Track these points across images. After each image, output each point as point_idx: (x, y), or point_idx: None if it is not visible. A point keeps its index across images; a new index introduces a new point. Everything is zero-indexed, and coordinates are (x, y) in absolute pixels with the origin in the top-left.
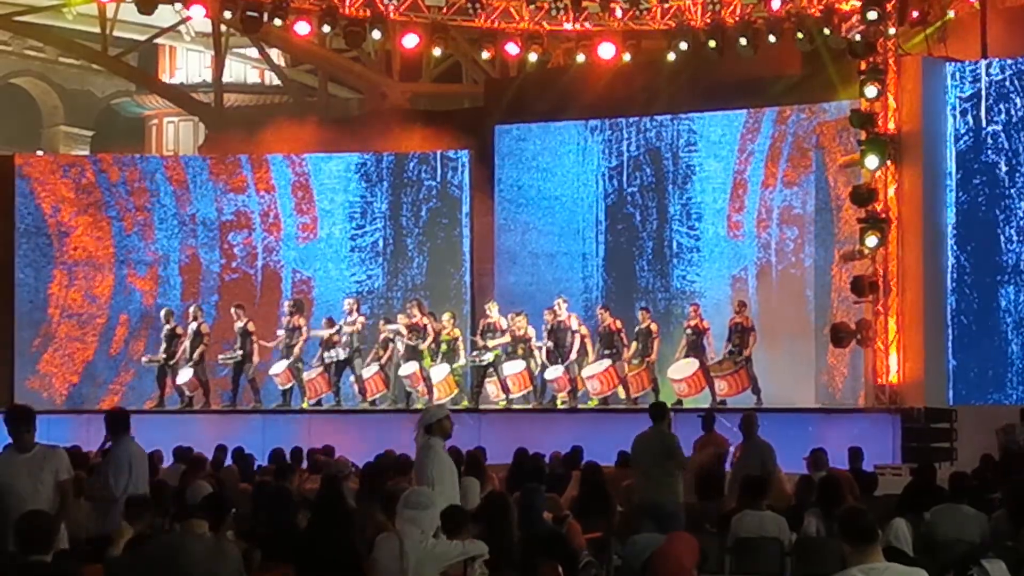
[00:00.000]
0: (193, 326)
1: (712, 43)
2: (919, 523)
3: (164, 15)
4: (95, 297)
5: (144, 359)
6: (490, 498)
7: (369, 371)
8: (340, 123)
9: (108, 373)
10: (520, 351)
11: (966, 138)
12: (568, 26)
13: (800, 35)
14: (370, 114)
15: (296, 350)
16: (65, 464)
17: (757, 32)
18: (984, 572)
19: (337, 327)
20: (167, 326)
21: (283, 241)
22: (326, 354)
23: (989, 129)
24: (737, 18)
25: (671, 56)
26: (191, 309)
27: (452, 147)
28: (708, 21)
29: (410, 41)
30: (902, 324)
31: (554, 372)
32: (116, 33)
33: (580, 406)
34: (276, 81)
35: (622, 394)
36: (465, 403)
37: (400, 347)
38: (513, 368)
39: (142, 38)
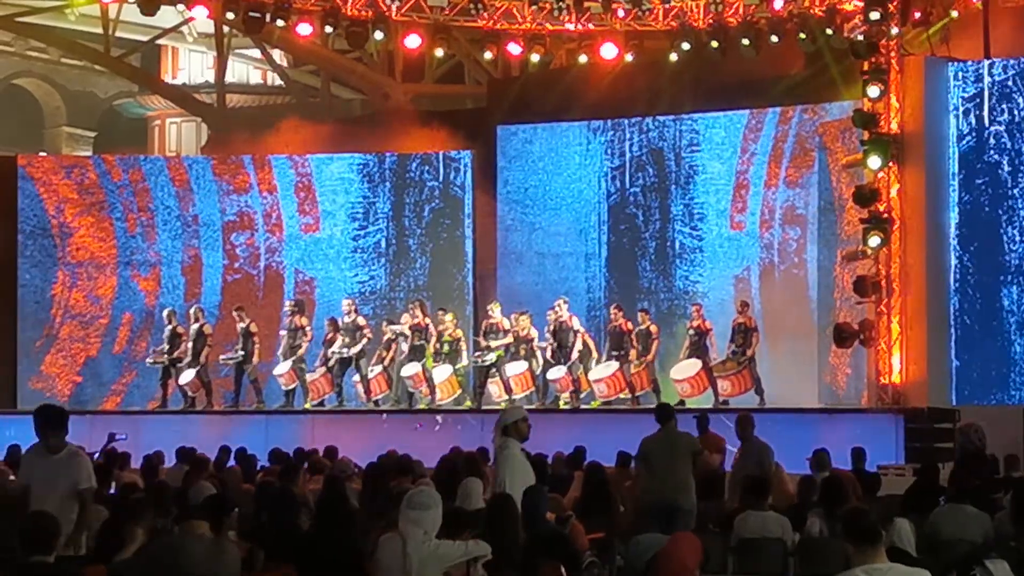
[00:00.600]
0: (195, 327)
1: (714, 43)
2: (922, 523)
3: (166, 16)
4: (98, 298)
5: (148, 359)
6: (494, 499)
7: (372, 372)
8: (342, 124)
9: (111, 374)
10: (522, 351)
11: (969, 138)
12: (570, 26)
13: (803, 35)
14: (372, 115)
15: (300, 351)
16: (87, 472)
17: (759, 32)
18: (987, 572)
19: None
20: (169, 326)
21: (285, 242)
22: (330, 351)
23: (992, 129)
24: (739, 18)
25: (673, 56)
26: (192, 310)
27: (454, 148)
28: (710, 21)
29: (412, 42)
30: (905, 324)
31: (556, 372)
32: (119, 34)
33: (583, 406)
34: (279, 82)
35: (626, 395)
36: (468, 403)
37: (404, 348)
38: (516, 369)
39: (145, 39)
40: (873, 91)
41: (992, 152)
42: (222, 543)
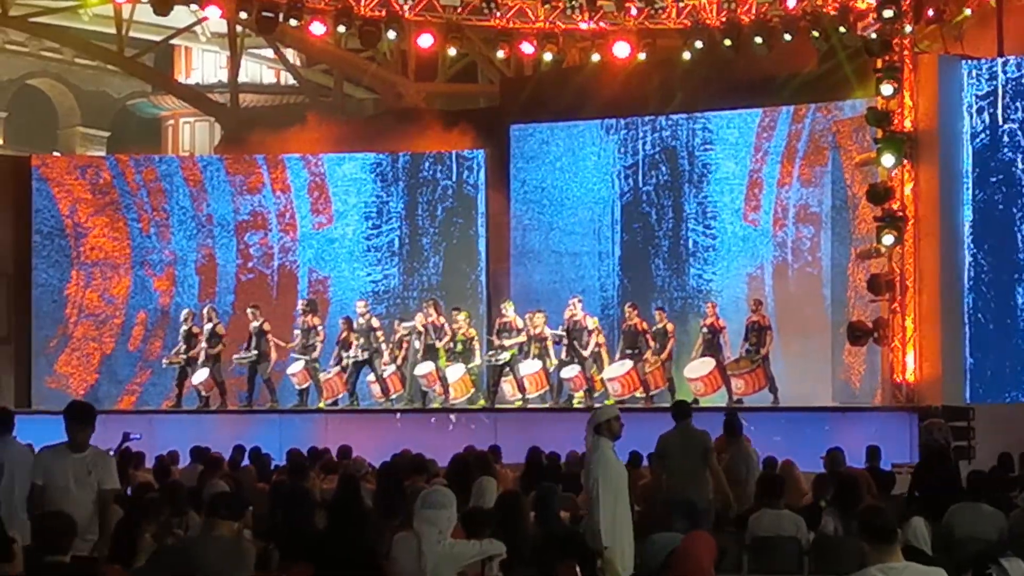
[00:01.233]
0: (209, 326)
1: (727, 42)
2: (937, 521)
3: (180, 16)
4: (112, 297)
5: (164, 360)
6: (504, 498)
7: (386, 371)
8: (356, 123)
9: (125, 373)
10: (536, 350)
11: (983, 136)
12: (583, 25)
13: (816, 33)
14: (385, 114)
15: (315, 352)
16: (112, 473)
17: (773, 31)
18: (1002, 570)
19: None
20: (185, 326)
21: (299, 241)
22: (344, 354)
23: (1006, 127)
24: (752, 17)
25: (686, 55)
26: (206, 310)
27: (467, 147)
28: (723, 20)
29: (425, 41)
30: (919, 322)
31: (570, 371)
32: (132, 34)
33: (596, 406)
34: (292, 81)
35: (640, 394)
36: (481, 402)
37: (417, 346)
38: (530, 368)
39: (158, 39)
40: (887, 89)
41: (1006, 150)
42: (240, 543)
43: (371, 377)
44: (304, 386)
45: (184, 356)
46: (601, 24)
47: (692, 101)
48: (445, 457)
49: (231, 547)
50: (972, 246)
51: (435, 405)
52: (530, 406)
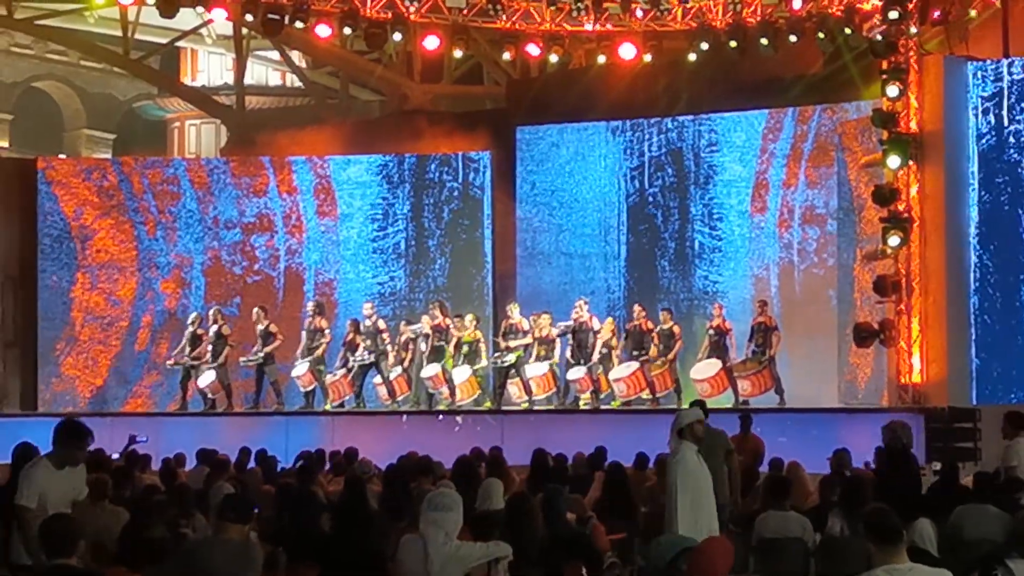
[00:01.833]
0: (215, 329)
1: (733, 43)
2: (944, 523)
3: (185, 18)
4: (118, 300)
5: (169, 361)
6: (511, 499)
7: (393, 373)
8: (361, 125)
9: (131, 375)
10: (542, 352)
11: (988, 137)
12: (589, 27)
13: (821, 35)
14: (391, 116)
15: (319, 352)
16: (83, 480)
17: (778, 32)
18: (1008, 572)
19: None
20: (191, 328)
21: (305, 243)
22: (351, 357)
23: (1011, 128)
24: (758, 18)
25: (692, 56)
26: (212, 312)
27: (473, 148)
28: (729, 21)
29: (431, 43)
30: (925, 324)
31: (576, 373)
32: (138, 36)
33: (603, 407)
34: (297, 83)
35: (647, 394)
36: (488, 404)
37: (424, 348)
38: (537, 370)
39: (164, 41)
40: (892, 90)
41: (1012, 151)
42: (249, 545)
43: (378, 379)
44: (310, 388)
45: (188, 358)
46: (607, 26)
47: (698, 102)
48: (451, 459)
49: (240, 550)
50: (978, 247)
51: (441, 407)
52: (537, 408)
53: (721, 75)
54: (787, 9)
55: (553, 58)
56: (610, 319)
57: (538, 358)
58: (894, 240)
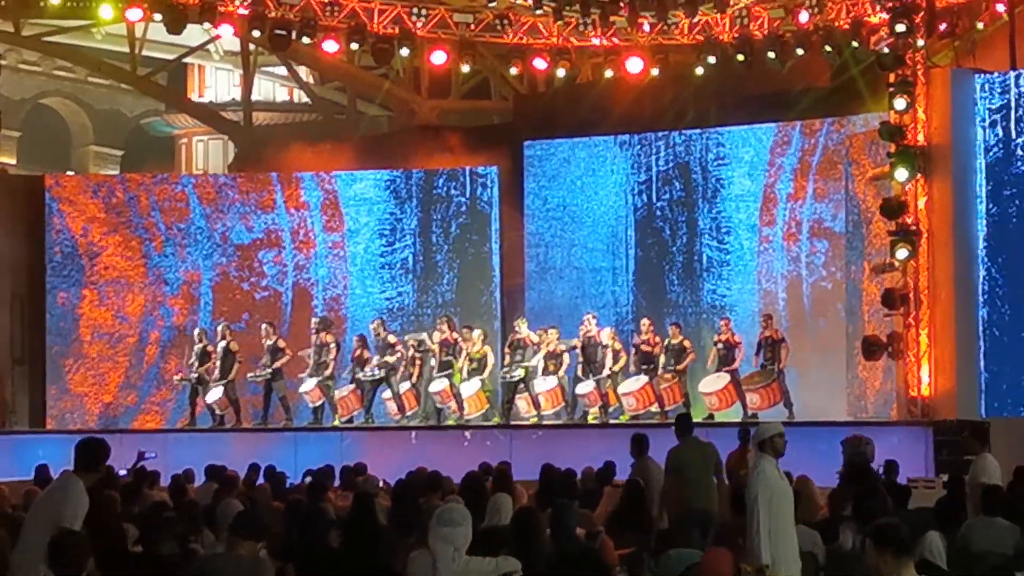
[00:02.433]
0: (223, 344)
1: (740, 57)
2: (953, 536)
3: (193, 34)
4: (126, 316)
5: (176, 377)
6: (517, 514)
7: (401, 388)
8: (369, 140)
9: (140, 392)
10: (551, 367)
11: (996, 149)
12: (596, 41)
13: (828, 48)
14: (399, 131)
15: (329, 369)
16: None
17: (785, 45)
18: None
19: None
20: (199, 345)
21: (313, 259)
22: (359, 372)
23: (1019, 140)
24: (765, 31)
25: (699, 70)
26: (220, 328)
27: (481, 163)
28: (736, 35)
29: (438, 58)
30: (933, 336)
31: (585, 387)
32: (145, 53)
33: (612, 421)
34: (305, 99)
35: (656, 408)
36: (496, 419)
37: (433, 363)
38: (545, 385)
39: (171, 57)
40: (900, 103)
41: (1019, 163)
42: (260, 562)
43: (387, 394)
44: (318, 404)
45: (195, 375)
46: (614, 40)
47: (705, 116)
48: (460, 474)
49: (251, 566)
50: (986, 259)
51: (450, 422)
52: (545, 422)
53: (728, 89)
54: (794, 23)
55: (560, 72)
56: (609, 329)
57: (546, 373)
58: (902, 253)
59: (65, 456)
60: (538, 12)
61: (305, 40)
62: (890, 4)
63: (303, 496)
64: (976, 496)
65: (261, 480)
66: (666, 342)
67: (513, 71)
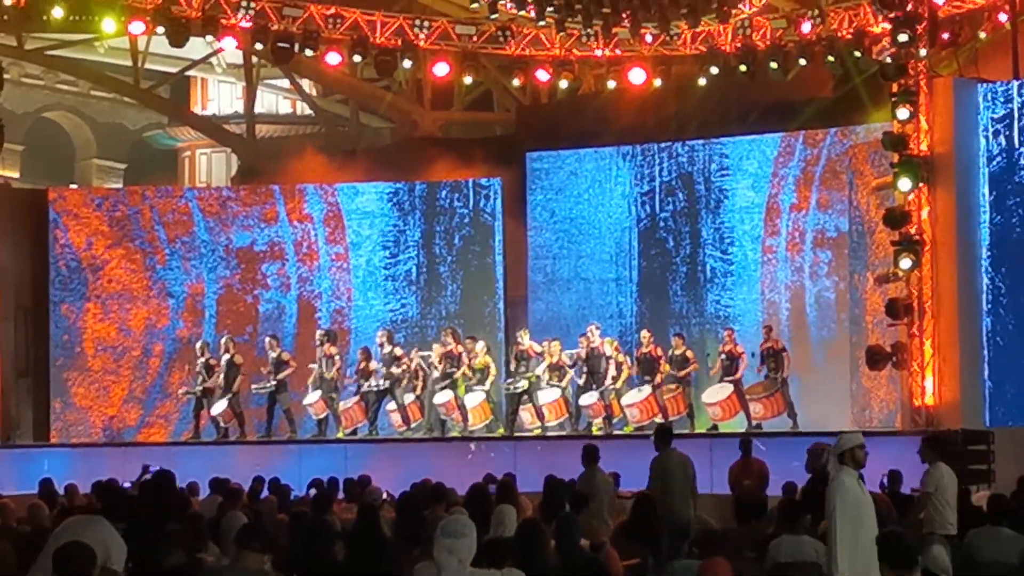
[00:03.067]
0: (226, 357)
1: (743, 67)
2: (958, 546)
3: (195, 47)
4: (129, 329)
5: (180, 391)
6: (522, 525)
7: (406, 400)
8: (372, 152)
9: (144, 405)
10: (555, 378)
11: (999, 159)
12: (598, 52)
13: (831, 58)
14: (402, 143)
15: (332, 381)
16: None
17: (788, 55)
18: None
19: (378, 359)
20: (202, 358)
21: (316, 271)
22: (364, 384)
23: (1022, 149)
24: (768, 42)
25: (702, 81)
26: (223, 341)
27: (484, 175)
28: (739, 45)
29: (441, 70)
30: (937, 346)
31: (589, 398)
32: (148, 66)
33: (616, 432)
34: (308, 111)
35: (659, 419)
36: (500, 430)
37: (437, 374)
38: (549, 396)
39: (174, 70)
40: (902, 113)
41: (1022, 172)
42: (265, 575)
43: (391, 406)
44: (322, 416)
45: (200, 388)
46: (616, 51)
47: (708, 127)
48: (465, 486)
49: None
50: (990, 269)
51: (454, 433)
52: (549, 433)
53: (731, 99)
54: (796, 33)
55: (563, 84)
56: (611, 339)
57: (550, 384)
58: (906, 263)
59: (67, 469)
60: (541, 24)
61: (308, 52)
62: (892, 14)
63: (308, 508)
64: (923, 506)
65: (266, 493)
66: (669, 353)
67: (516, 82)
